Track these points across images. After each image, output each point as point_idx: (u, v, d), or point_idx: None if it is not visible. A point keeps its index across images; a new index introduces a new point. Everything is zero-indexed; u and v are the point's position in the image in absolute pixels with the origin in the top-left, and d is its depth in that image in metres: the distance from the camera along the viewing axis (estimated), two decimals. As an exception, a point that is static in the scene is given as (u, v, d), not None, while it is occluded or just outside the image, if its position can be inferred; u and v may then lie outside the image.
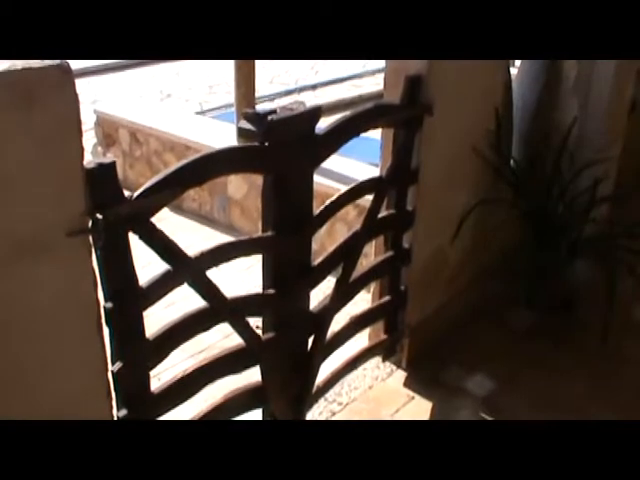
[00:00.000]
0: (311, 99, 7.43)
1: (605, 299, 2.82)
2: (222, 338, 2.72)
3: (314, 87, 8.01)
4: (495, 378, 2.90)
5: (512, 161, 3.24)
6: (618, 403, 2.75)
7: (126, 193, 1.71)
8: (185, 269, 1.87)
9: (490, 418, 2.68)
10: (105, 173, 1.60)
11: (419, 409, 2.74)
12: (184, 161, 1.82)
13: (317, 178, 3.87)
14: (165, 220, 3.70)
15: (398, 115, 2.50)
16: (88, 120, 5.25)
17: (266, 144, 1.97)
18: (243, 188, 4.27)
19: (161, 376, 2.31)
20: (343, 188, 3.65)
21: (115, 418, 1.82)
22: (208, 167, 1.89)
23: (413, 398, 2.81)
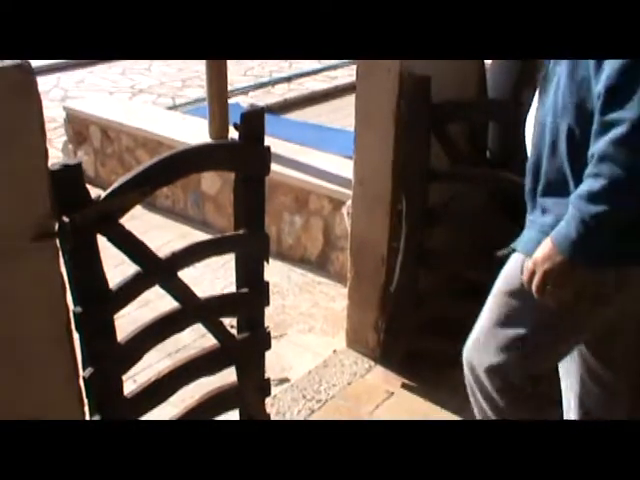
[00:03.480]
0: (286, 92, 7.39)
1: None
2: (198, 337, 2.69)
3: (289, 79, 7.93)
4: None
5: (488, 152, 3.21)
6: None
7: (96, 192, 1.67)
8: (156, 271, 1.83)
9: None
10: (71, 174, 1.56)
11: (399, 405, 2.72)
12: (153, 160, 1.78)
13: (293, 173, 3.87)
14: (138, 218, 3.68)
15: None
16: (58, 117, 5.19)
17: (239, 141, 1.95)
18: (217, 184, 4.23)
19: (137, 377, 2.28)
20: (318, 182, 3.65)
21: (87, 425, 1.79)
22: (178, 166, 1.85)
23: (392, 394, 2.79)
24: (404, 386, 2.82)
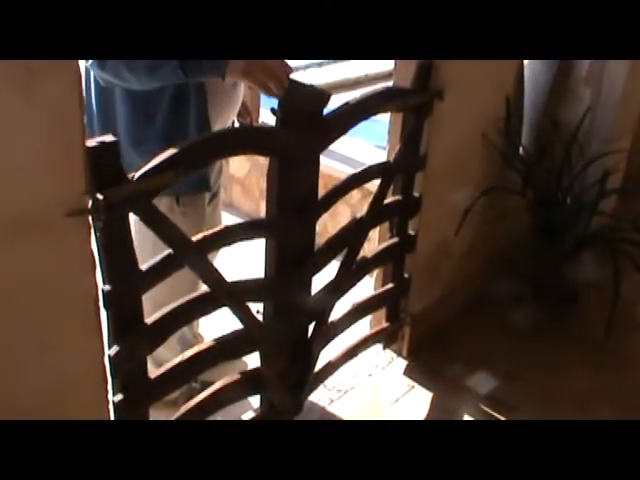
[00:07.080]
0: (317, 77, 7.34)
1: (610, 294, 2.77)
2: (222, 320, 2.68)
3: (320, 64, 7.88)
4: (497, 373, 2.85)
5: (522, 149, 3.18)
6: (622, 400, 2.71)
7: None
8: (186, 253, 1.82)
9: (492, 412, 2.65)
10: (107, 152, 1.54)
11: (419, 399, 2.71)
12: (188, 141, 1.76)
13: (322, 159, 3.83)
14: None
15: (408, 99, 2.44)
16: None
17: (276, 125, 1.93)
18: (245, 166, 4.22)
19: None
20: (347, 170, 3.62)
21: (111, 403, 1.79)
22: (214, 148, 1.84)
23: (413, 387, 2.77)
24: (425, 380, 2.80)
